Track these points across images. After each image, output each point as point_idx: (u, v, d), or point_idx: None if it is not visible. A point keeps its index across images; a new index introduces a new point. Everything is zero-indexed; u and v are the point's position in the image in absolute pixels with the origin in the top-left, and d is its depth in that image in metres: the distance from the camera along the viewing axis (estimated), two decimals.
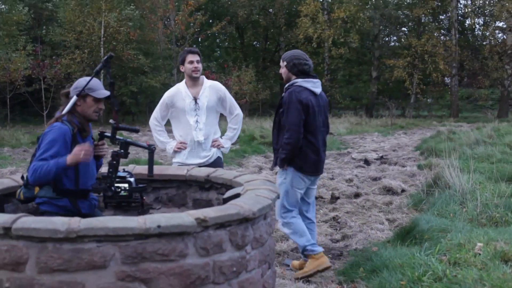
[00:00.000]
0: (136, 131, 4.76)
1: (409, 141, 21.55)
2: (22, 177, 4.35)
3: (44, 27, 39.35)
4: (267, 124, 25.12)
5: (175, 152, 6.33)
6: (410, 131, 28.10)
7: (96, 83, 4.31)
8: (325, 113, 6.00)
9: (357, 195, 9.85)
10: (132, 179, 4.35)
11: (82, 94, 4.22)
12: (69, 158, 4.09)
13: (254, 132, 21.26)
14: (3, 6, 33.14)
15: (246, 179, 4.38)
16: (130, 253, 3.09)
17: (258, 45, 53.58)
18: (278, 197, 4.06)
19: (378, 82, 44.95)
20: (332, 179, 11.76)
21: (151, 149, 4.54)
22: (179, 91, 6.30)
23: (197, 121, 6.20)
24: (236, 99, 7.64)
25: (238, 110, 6.47)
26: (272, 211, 4.12)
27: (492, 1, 44.38)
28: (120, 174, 4.34)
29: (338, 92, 43.66)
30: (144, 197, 4.43)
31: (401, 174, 12.14)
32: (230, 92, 6.99)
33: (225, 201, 4.00)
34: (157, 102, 6.41)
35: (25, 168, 13.44)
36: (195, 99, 6.21)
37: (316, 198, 9.71)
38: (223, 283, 3.37)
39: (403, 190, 10.16)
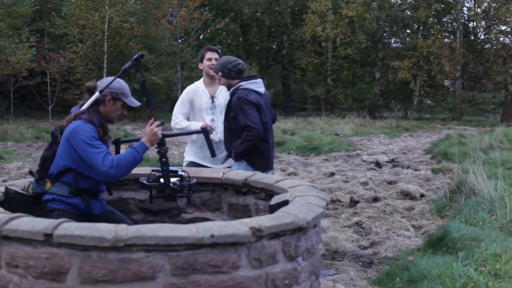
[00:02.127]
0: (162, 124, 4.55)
1: (416, 144, 21.29)
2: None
3: (46, 19, 39.06)
4: None
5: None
6: (415, 133, 27.82)
7: (127, 88, 4.20)
8: (270, 110, 6.02)
9: (376, 199, 9.59)
10: (183, 173, 4.28)
11: (114, 97, 4.08)
12: (147, 140, 4.06)
13: None
14: None
15: (289, 185, 4.12)
16: (181, 264, 2.84)
17: (260, 44, 53.31)
18: (327, 204, 3.82)
19: (380, 84, 44.66)
20: (346, 181, 11.52)
21: (206, 131, 4.63)
22: (198, 88, 6.26)
23: (213, 120, 6.16)
24: None
25: None
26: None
27: (496, 5, 44.10)
28: (172, 168, 4.25)
29: (342, 92, 43.36)
30: (191, 192, 4.38)
31: (415, 178, 11.88)
32: None
33: (272, 208, 3.75)
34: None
35: (31, 164, 13.17)
36: (212, 97, 6.19)
37: (334, 201, 9.50)
38: None
39: (422, 195, 9.90)
